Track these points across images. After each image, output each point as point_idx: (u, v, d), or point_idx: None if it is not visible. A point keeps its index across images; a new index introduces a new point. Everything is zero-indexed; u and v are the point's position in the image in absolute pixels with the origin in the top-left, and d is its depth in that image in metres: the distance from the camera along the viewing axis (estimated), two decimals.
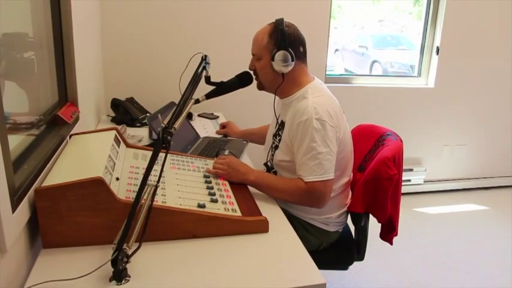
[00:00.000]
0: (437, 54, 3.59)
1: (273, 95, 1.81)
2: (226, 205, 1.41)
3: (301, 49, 1.71)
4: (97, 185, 1.19)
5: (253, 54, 1.76)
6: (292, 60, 1.65)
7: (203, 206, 1.34)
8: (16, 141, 1.31)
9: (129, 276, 1.10)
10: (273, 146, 1.83)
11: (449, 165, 3.95)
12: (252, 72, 1.75)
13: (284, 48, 1.64)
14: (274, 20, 1.70)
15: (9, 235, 1.05)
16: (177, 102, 1.34)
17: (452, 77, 3.68)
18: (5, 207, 1.03)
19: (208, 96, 1.63)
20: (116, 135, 1.64)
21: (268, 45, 1.67)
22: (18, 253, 1.16)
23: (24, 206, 1.16)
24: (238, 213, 1.37)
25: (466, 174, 4.01)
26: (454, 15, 3.51)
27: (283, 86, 1.71)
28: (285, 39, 1.64)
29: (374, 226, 1.89)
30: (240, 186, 1.61)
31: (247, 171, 1.66)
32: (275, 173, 1.83)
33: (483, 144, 3.95)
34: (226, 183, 1.60)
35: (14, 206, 1.09)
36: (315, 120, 1.58)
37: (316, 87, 1.72)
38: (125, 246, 1.07)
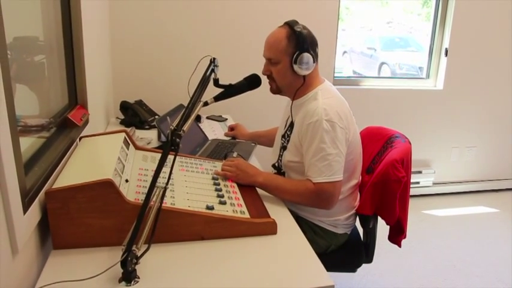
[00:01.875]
0: (446, 56, 3.58)
1: (281, 97, 1.81)
2: (235, 207, 1.41)
3: (317, 50, 1.72)
4: (106, 187, 1.20)
5: (268, 59, 1.74)
6: (314, 62, 1.66)
7: (211, 208, 1.35)
8: (27, 144, 1.33)
9: (139, 278, 1.11)
10: (282, 146, 1.83)
11: (458, 167, 3.92)
12: (265, 77, 1.75)
13: (306, 51, 1.64)
14: (283, 23, 1.70)
15: (21, 236, 1.06)
16: (185, 105, 1.35)
17: (461, 78, 3.66)
18: (17, 209, 1.05)
19: (217, 98, 1.64)
20: (125, 137, 1.65)
21: (288, 48, 1.66)
22: (29, 254, 1.18)
23: (35, 208, 1.17)
24: (247, 215, 1.38)
25: (475, 176, 3.99)
26: (462, 17, 3.49)
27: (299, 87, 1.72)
28: (305, 42, 1.64)
29: (382, 228, 1.89)
30: (248, 188, 1.61)
31: (256, 173, 1.67)
32: (283, 174, 1.83)
33: (492, 146, 3.92)
34: (235, 185, 1.61)
35: (25, 207, 1.10)
36: (325, 121, 1.59)
37: (326, 89, 1.73)
38: (134, 247, 1.08)
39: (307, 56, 1.64)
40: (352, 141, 1.69)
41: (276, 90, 1.78)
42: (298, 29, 1.65)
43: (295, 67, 1.65)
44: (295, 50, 1.65)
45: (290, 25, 1.68)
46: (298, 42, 1.65)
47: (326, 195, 1.60)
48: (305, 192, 1.62)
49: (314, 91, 1.72)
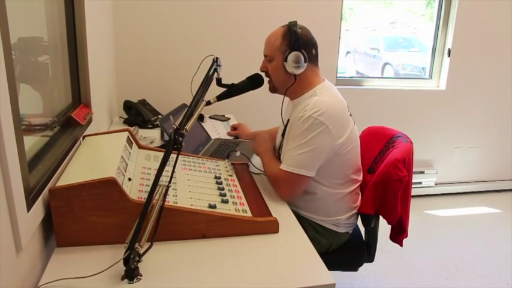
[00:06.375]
0: (449, 56, 3.58)
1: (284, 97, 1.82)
2: (237, 206, 1.42)
3: (314, 51, 1.72)
4: (110, 185, 1.21)
5: (265, 56, 1.77)
6: (305, 62, 1.66)
7: (214, 207, 1.35)
8: (31, 142, 1.34)
9: (141, 275, 1.12)
10: (280, 144, 1.84)
11: (461, 167, 3.92)
12: (263, 74, 1.77)
13: (297, 50, 1.65)
14: (287, 23, 1.72)
15: (25, 233, 1.07)
16: (188, 104, 1.36)
17: (464, 79, 3.66)
18: (21, 206, 1.05)
19: (220, 98, 1.65)
20: (128, 136, 1.66)
21: (281, 46, 1.69)
22: (33, 251, 1.19)
23: (38, 205, 1.18)
24: (249, 214, 1.38)
25: (478, 176, 3.98)
26: (465, 17, 3.49)
27: (294, 87, 1.72)
28: (298, 41, 1.66)
29: (384, 228, 1.89)
30: (250, 187, 1.62)
31: (259, 145, 1.88)
32: None
33: (495, 146, 3.92)
34: (237, 184, 1.62)
35: (29, 205, 1.11)
36: (313, 118, 1.60)
37: (324, 88, 1.73)
38: (136, 245, 1.09)
39: (297, 55, 1.65)
40: (347, 141, 1.68)
41: (272, 88, 1.81)
42: (294, 29, 1.67)
43: (286, 65, 1.67)
44: (287, 49, 1.67)
45: (289, 25, 1.70)
46: (291, 41, 1.67)
47: (285, 183, 1.64)
48: (272, 174, 1.70)
49: (312, 90, 1.72)
